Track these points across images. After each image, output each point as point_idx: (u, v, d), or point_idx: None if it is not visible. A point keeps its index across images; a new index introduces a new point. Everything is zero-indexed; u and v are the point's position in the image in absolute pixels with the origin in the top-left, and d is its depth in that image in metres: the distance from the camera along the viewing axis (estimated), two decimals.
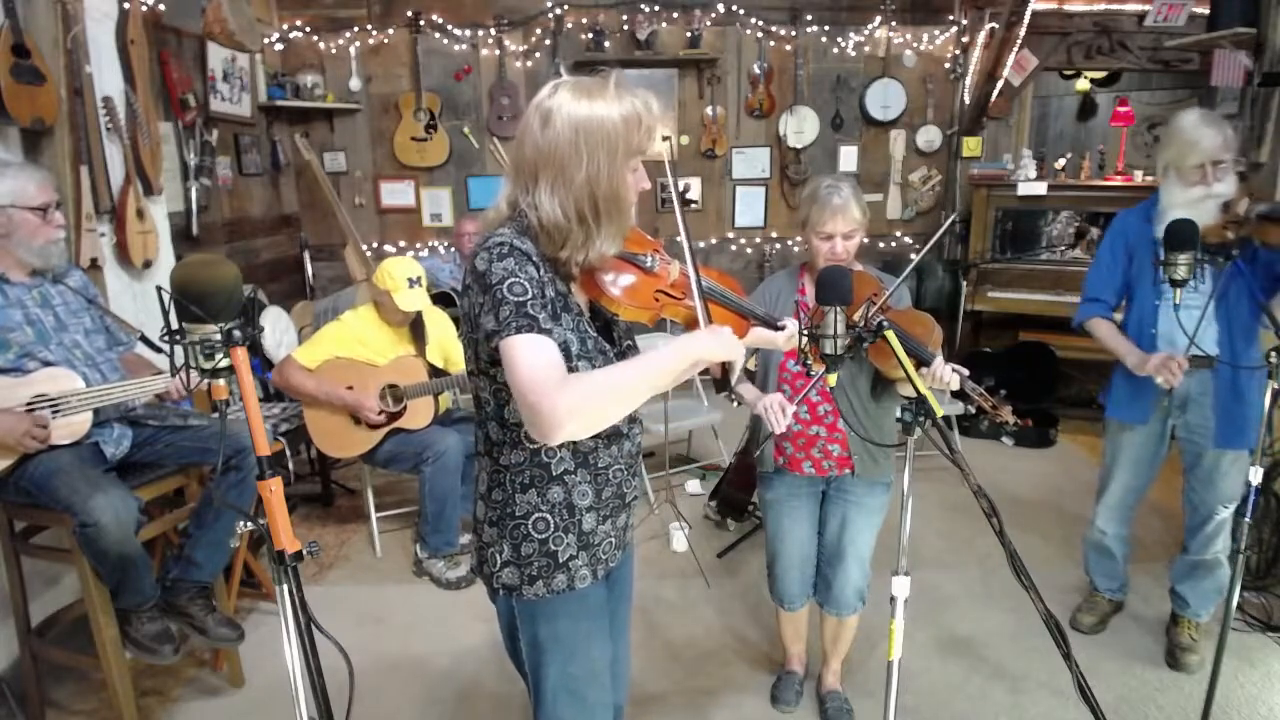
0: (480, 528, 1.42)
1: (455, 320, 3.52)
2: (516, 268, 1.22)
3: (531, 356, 1.18)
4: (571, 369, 1.26)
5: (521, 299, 1.20)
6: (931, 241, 2.09)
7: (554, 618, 1.41)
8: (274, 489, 1.28)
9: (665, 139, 1.39)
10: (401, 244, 5.22)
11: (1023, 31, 4.71)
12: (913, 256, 5.42)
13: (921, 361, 1.88)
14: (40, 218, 2.14)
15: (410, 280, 3.14)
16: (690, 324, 1.45)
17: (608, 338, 1.39)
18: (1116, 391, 2.60)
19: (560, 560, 1.38)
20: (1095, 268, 2.61)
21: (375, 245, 5.14)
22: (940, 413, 1.40)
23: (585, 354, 1.30)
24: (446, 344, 3.42)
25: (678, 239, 1.42)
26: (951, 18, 5.15)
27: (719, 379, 1.31)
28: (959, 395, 1.89)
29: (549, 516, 1.36)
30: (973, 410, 1.83)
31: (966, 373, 1.85)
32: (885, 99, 5.21)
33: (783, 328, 1.58)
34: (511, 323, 1.19)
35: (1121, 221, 2.57)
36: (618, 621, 1.59)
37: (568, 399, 1.16)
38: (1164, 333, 2.42)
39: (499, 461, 1.37)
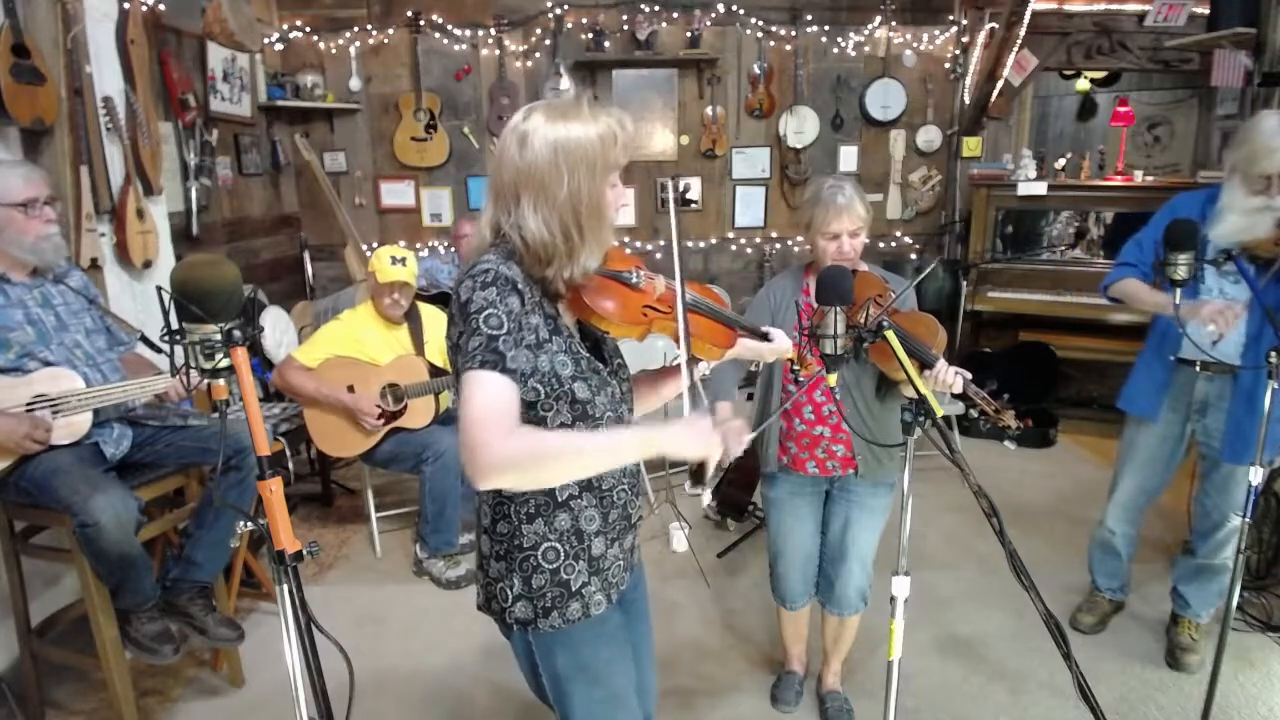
0: (485, 563, 1.39)
1: None
2: (497, 298, 1.20)
3: (486, 394, 1.17)
4: (566, 391, 1.27)
5: (495, 333, 1.19)
6: (932, 266, 2.07)
7: (574, 647, 1.39)
8: (274, 489, 1.28)
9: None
10: (401, 244, 5.21)
11: (1023, 31, 4.70)
12: (913, 256, 5.43)
13: (924, 363, 1.87)
14: (24, 214, 2.11)
15: (394, 259, 3.15)
16: (678, 338, 1.45)
17: (598, 356, 1.38)
18: (1133, 383, 2.56)
19: (573, 589, 1.36)
20: (1136, 240, 2.50)
21: (375, 245, 5.13)
22: (940, 413, 1.40)
23: (580, 374, 1.30)
24: (446, 344, 3.41)
25: (674, 238, 1.40)
26: (951, 18, 5.14)
27: (694, 470, 1.24)
28: (961, 398, 1.89)
29: (558, 545, 1.34)
30: (975, 414, 1.82)
31: (970, 376, 1.84)
32: (885, 99, 5.20)
33: (769, 337, 1.57)
34: (477, 356, 1.18)
35: (1177, 204, 2.45)
36: (641, 645, 1.57)
37: (509, 448, 1.14)
38: (1193, 333, 2.40)
39: (501, 493, 1.34)
